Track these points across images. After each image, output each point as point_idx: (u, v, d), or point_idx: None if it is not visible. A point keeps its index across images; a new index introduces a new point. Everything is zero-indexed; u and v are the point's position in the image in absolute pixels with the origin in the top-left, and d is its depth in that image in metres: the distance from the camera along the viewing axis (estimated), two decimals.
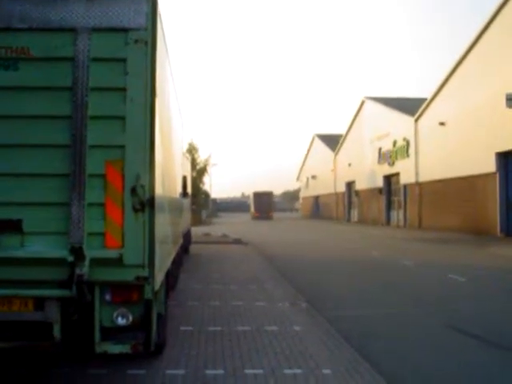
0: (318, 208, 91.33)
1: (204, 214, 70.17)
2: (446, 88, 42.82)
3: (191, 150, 65.94)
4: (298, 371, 7.19)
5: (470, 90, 38.37)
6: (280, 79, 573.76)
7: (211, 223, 65.50)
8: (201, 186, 70.38)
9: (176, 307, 11.31)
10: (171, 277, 11.53)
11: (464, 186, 39.16)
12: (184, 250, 21.11)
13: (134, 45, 5.84)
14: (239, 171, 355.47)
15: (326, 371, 7.21)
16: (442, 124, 42.81)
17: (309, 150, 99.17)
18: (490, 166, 35.55)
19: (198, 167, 66.64)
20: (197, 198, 58.27)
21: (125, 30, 5.85)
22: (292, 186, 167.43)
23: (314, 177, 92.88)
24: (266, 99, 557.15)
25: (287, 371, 7.18)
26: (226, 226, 57.93)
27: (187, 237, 22.97)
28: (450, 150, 41.19)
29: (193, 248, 25.97)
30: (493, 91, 35.18)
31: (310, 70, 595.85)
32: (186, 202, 19.01)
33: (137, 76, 5.82)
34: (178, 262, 14.17)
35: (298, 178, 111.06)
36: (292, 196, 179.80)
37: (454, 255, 24.50)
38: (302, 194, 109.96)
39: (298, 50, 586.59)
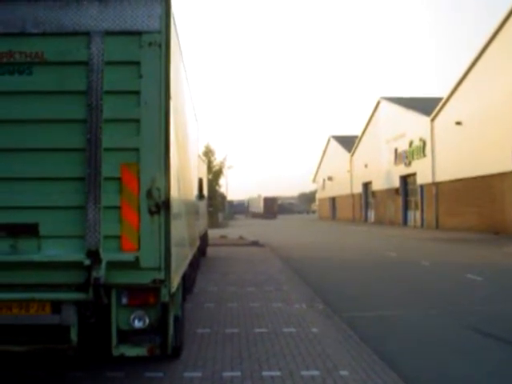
0: (334, 209, 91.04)
1: (221, 216, 70.20)
2: (462, 87, 42.54)
3: (207, 153, 66.09)
4: (316, 373, 7.13)
5: (486, 89, 38.12)
6: (295, 81, 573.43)
7: (228, 225, 65.37)
8: (217, 188, 70.49)
9: (193, 309, 11.33)
10: (188, 279, 11.54)
11: (481, 186, 38.88)
12: (201, 252, 21.12)
13: (148, 48, 5.85)
14: (256, 173, 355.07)
15: (344, 372, 7.16)
16: (458, 123, 42.53)
17: (324, 152, 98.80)
18: (507, 164, 35.23)
19: (213, 169, 66.76)
20: (213, 200, 58.27)
21: (138, 33, 5.87)
22: (308, 187, 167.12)
23: (330, 178, 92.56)
24: (282, 101, 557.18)
25: (304, 373, 7.13)
26: (242, 228, 57.81)
27: (204, 239, 22.96)
28: (467, 150, 40.93)
29: (210, 250, 25.98)
30: (509, 89, 34.92)
31: (326, 71, 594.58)
32: (203, 204, 18.99)
33: (151, 79, 5.84)
34: (195, 265, 14.18)
35: (314, 180, 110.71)
36: (308, 198, 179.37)
37: (471, 255, 24.33)
38: (318, 196, 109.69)
39: (314, 52, 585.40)
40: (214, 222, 55.39)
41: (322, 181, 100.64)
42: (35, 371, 7.20)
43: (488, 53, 38.20)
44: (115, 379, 6.90)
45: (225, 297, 13.13)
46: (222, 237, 37.62)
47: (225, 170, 71.98)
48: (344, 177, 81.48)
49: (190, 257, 9.91)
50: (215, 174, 68.22)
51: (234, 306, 11.84)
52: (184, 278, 8.55)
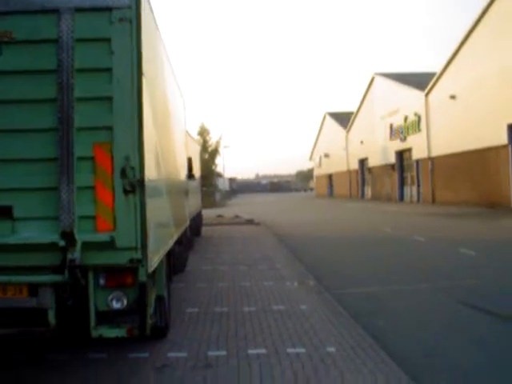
0: (331, 186, 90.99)
1: (218, 195, 70.13)
2: (456, 61, 42.30)
3: (202, 133, 65.87)
4: (302, 350, 7.10)
5: (480, 62, 37.88)
6: (291, 58, 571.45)
7: (225, 205, 65.20)
8: (213, 167, 70.35)
9: (184, 289, 11.32)
10: (179, 258, 11.48)
11: (476, 160, 38.79)
12: (195, 232, 21.09)
13: (119, 24, 5.71)
14: (253, 152, 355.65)
15: (331, 349, 7.11)
16: (452, 97, 42.39)
17: (320, 129, 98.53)
18: (501, 138, 35.18)
19: (209, 149, 66.57)
20: (209, 179, 58.06)
21: (109, 9, 5.73)
22: (306, 165, 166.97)
23: (326, 155, 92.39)
24: (278, 79, 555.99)
25: (290, 350, 7.10)
26: (240, 207, 57.64)
27: (197, 219, 22.90)
28: (462, 124, 40.80)
29: (205, 230, 25.97)
30: (503, 62, 34.73)
31: (321, 48, 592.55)
32: (194, 183, 18.85)
33: (122, 56, 5.71)
34: (186, 244, 14.12)
35: (310, 158, 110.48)
36: (306, 176, 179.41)
37: (466, 229, 24.31)
38: (315, 173, 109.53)
39: (309, 28, 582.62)
40: (211, 202, 55.31)
41: (318, 158, 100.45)
42: (16, 354, 7.16)
43: (481, 26, 37.87)
44: (98, 361, 6.87)
45: (217, 276, 13.12)
46: (219, 216, 37.62)
47: (221, 150, 71.71)
48: (340, 154, 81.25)
49: (175, 236, 9.80)
50: (211, 154, 68.03)
51: (225, 285, 11.82)
52: (169, 257, 8.49)
